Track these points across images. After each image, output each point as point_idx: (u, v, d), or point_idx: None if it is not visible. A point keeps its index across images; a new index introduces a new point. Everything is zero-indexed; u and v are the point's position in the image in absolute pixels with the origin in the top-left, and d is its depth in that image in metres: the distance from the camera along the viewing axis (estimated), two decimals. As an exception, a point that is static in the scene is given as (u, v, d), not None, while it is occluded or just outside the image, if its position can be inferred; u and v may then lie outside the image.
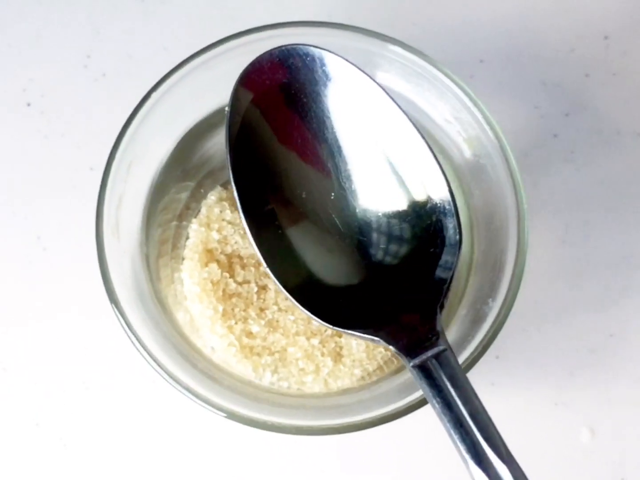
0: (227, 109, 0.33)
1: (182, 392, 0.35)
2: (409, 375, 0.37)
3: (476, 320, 0.36)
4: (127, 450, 0.46)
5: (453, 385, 0.30)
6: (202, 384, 0.36)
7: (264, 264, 0.33)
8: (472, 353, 0.35)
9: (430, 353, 0.31)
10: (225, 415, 0.35)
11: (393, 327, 0.32)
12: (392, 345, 0.31)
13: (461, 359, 0.35)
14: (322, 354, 0.41)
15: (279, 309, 0.41)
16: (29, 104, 0.48)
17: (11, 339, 0.47)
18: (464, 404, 0.29)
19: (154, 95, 0.37)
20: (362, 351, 0.41)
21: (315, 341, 0.41)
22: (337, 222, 0.34)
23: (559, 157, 0.47)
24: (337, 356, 0.41)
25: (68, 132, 0.48)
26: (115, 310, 0.36)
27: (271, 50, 0.33)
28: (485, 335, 0.35)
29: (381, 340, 0.32)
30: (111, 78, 0.48)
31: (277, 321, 0.41)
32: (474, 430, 0.29)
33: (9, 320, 0.47)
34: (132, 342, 0.36)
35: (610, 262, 0.46)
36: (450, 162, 0.39)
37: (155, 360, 0.35)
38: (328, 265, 0.34)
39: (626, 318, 0.46)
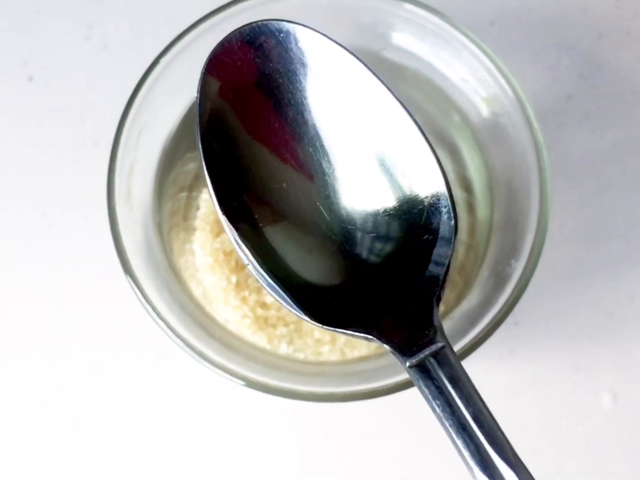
0: (196, 95, 0.30)
1: (199, 361, 0.35)
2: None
3: (499, 281, 0.35)
4: (140, 426, 0.46)
5: (454, 386, 0.27)
6: (220, 352, 0.35)
7: (245, 260, 0.30)
8: (495, 315, 0.34)
9: (427, 351, 0.28)
10: (244, 383, 0.35)
11: (387, 324, 0.29)
12: (386, 343, 0.28)
13: (484, 321, 0.35)
14: (339, 324, 0.40)
15: (294, 278, 0.40)
16: (30, 78, 0.47)
17: (18, 317, 0.46)
18: (466, 406, 0.27)
19: (163, 60, 0.36)
20: (380, 319, 0.40)
21: (331, 310, 0.40)
22: (325, 214, 0.30)
23: (573, 119, 0.46)
24: (354, 325, 0.40)
25: (71, 105, 0.47)
26: (130, 280, 0.35)
27: (240, 28, 0.30)
28: (510, 297, 0.34)
29: (374, 338, 0.29)
30: (114, 49, 0.47)
31: (292, 291, 0.40)
32: (478, 434, 0.26)
33: (14, 298, 0.46)
34: (147, 312, 0.35)
35: (628, 224, 0.46)
36: (468, 122, 0.39)
37: (171, 329, 0.35)
38: (315, 262, 0.31)
39: (645, 281, 0.46)
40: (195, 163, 0.42)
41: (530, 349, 0.45)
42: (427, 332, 0.28)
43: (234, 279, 0.40)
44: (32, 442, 0.45)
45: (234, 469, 0.45)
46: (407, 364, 0.28)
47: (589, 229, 0.46)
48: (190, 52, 0.37)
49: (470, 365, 0.34)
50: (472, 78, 0.37)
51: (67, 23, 0.47)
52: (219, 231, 0.40)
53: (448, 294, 0.40)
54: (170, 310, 0.35)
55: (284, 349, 0.40)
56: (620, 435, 0.45)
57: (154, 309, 0.35)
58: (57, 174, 0.46)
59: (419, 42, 0.38)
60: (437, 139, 0.40)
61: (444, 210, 0.29)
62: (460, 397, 0.27)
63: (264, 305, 0.40)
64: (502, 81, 0.36)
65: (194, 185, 0.42)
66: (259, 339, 0.40)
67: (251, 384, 0.34)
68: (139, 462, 0.45)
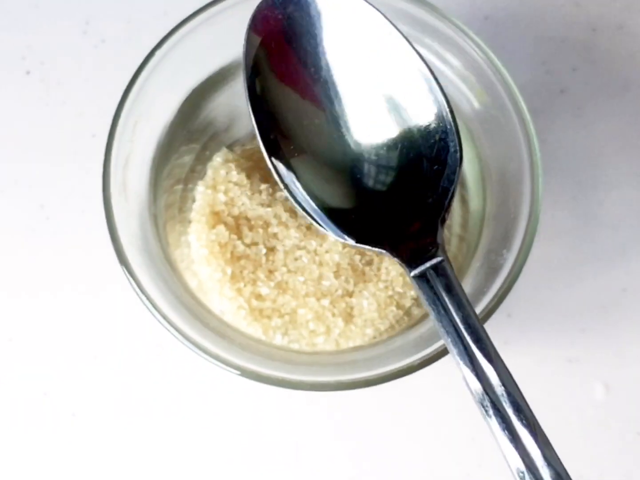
0: (243, 45, 0.34)
1: (194, 350, 0.35)
2: (424, 329, 0.37)
3: (490, 271, 0.36)
4: (137, 416, 0.46)
5: (447, 294, 0.32)
6: (215, 342, 0.35)
7: (281, 185, 0.35)
8: (487, 305, 0.35)
9: (429, 264, 0.32)
10: (238, 372, 0.35)
11: (398, 241, 0.34)
12: (396, 257, 0.33)
13: (477, 311, 0.35)
14: (333, 315, 0.40)
15: (288, 271, 0.40)
16: (28, 72, 0.47)
17: (16, 309, 0.46)
18: (457, 311, 0.31)
19: (158, 53, 0.37)
20: (374, 310, 0.40)
21: (325, 302, 0.40)
22: (351, 147, 0.35)
23: (567, 113, 0.46)
24: (348, 316, 0.41)
25: (69, 99, 0.47)
26: (125, 270, 0.35)
27: None
28: (501, 287, 0.35)
29: (386, 252, 0.34)
30: (111, 44, 0.48)
31: (287, 283, 0.40)
32: (465, 334, 0.31)
33: (13, 290, 0.46)
34: (142, 302, 0.35)
35: (621, 217, 0.46)
36: (461, 114, 0.39)
37: (167, 319, 0.35)
38: (340, 188, 0.35)
39: (638, 272, 0.46)
40: (191, 155, 0.42)
41: (524, 340, 0.45)
42: (430, 248, 0.33)
43: (229, 270, 0.40)
44: (30, 433, 0.46)
45: (230, 458, 0.46)
46: (411, 274, 0.33)
47: (581, 222, 0.46)
48: (185, 44, 0.37)
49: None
50: (464, 71, 0.38)
51: (64, 18, 0.48)
52: (214, 223, 0.41)
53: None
54: (165, 301, 0.36)
55: (278, 340, 0.40)
56: (612, 426, 0.45)
57: (149, 299, 0.35)
58: (54, 167, 0.47)
59: (413, 35, 0.38)
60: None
61: (452, 144, 0.33)
62: (452, 303, 0.32)
63: (259, 297, 0.40)
64: (494, 73, 0.36)
65: (189, 178, 0.42)
66: (254, 330, 0.40)
67: (246, 374, 0.35)
68: (136, 452, 0.46)
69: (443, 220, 0.34)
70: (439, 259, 0.32)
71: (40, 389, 0.46)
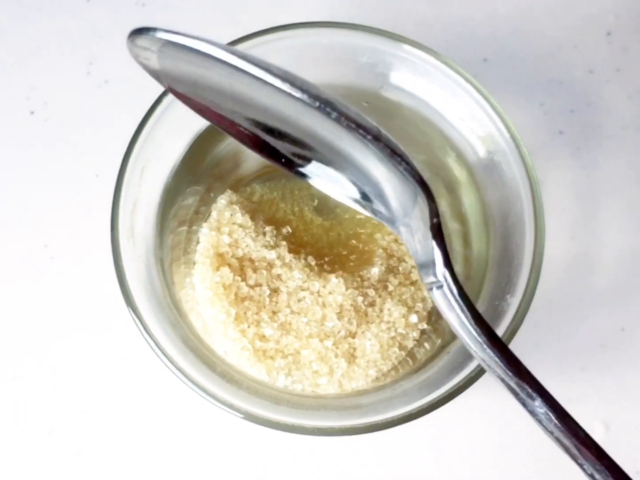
0: None
1: (200, 394, 0.35)
2: (429, 373, 0.38)
3: (495, 317, 0.36)
4: (141, 456, 0.46)
5: (450, 311, 0.32)
6: (221, 386, 0.36)
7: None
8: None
9: (429, 280, 0.32)
10: (242, 416, 0.35)
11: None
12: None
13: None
14: (336, 356, 0.41)
15: (292, 312, 0.41)
16: (32, 112, 0.48)
17: (21, 347, 0.46)
18: (461, 325, 0.32)
19: (166, 99, 0.37)
20: (377, 352, 0.41)
21: (328, 343, 0.40)
22: None
23: (565, 154, 0.47)
24: (351, 357, 0.41)
25: (72, 139, 0.48)
26: (133, 314, 0.35)
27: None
28: (506, 331, 0.35)
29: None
30: (114, 84, 0.48)
31: (290, 324, 0.41)
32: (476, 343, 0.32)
33: (18, 329, 0.46)
34: (150, 346, 0.35)
35: (619, 257, 0.46)
36: (464, 159, 0.39)
37: (173, 363, 0.35)
38: None
39: (637, 311, 0.46)
40: (195, 197, 0.42)
41: (524, 379, 0.46)
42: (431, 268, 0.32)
43: (233, 312, 0.40)
44: (34, 473, 0.46)
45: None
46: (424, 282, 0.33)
47: (580, 262, 0.46)
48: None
49: (465, 395, 0.35)
50: (467, 117, 0.38)
51: (68, 58, 0.48)
52: (219, 265, 0.41)
53: (445, 326, 0.41)
54: (172, 345, 0.36)
55: (282, 380, 0.41)
56: (613, 465, 0.45)
57: (156, 343, 0.35)
58: (58, 206, 0.47)
59: (416, 81, 0.38)
60: (433, 174, 0.41)
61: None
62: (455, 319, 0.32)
63: (262, 338, 0.41)
64: (497, 120, 0.37)
65: (193, 220, 0.42)
66: (258, 371, 0.40)
67: (252, 418, 0.35)
68: (138, 492, 0.46)
69: (435, 228, 0.31)
70: (433, 279, 0.32)
71: (44, 427, 0.46)
